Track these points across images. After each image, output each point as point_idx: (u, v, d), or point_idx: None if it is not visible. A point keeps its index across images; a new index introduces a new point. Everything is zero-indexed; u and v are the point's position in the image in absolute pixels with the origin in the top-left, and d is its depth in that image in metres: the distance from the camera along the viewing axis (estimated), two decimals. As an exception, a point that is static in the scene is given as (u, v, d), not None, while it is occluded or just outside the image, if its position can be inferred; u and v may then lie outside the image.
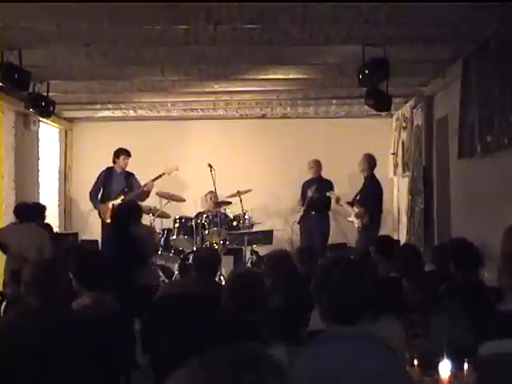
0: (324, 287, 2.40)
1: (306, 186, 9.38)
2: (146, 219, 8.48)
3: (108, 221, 8.70)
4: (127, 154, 8.92)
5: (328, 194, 9.01)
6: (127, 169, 8.99)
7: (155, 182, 8.88)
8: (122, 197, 8.72)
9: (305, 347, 2.40)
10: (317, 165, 9.41)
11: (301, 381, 2.21)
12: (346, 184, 9.82)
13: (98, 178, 9.00)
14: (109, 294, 3.98)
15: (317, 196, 9.02)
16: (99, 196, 8.95)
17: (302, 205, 9.23)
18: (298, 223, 9.35)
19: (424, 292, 3.96)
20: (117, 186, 8.88)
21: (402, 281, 4.01)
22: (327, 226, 9.25)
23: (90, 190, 9.02)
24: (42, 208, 7.57)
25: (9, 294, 5.66)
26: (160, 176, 8.93)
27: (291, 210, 9.97)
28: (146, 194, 8.88)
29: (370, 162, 8.70)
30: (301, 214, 9.25)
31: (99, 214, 8.89)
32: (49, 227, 7.61)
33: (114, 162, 8.96)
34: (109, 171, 8.99)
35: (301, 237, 9.35)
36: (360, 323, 2.34)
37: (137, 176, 9.01)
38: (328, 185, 9.22)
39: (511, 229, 4.69)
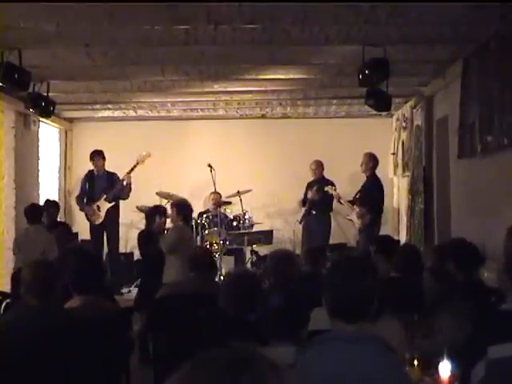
0: (328, 286, 2.41)
1: (308, 187, 9.33)
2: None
3: (96, 222, 8.72)
4: (99, 154, 8.94)
5: (327, 188, 8.91)
6: (109, 169, 9.00)
7: (132, 174, 8.75)
8: (105, 196, 8.76)
9: (306, 347, 2.40)
10: (318, 166, 9.33)
11: (301, 381, 2.21)
12: (346, 184, 9.80)
13: (81, 183, 9.12)
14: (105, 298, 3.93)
15: (317, 197, 8.96)
16: (85, 200, 9.02)
17: (304, 205, 9.18)
18: (300, 223, 9.31)
19: (424, 292, 3.96)
20: (99, 186, 8.94)
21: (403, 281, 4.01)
22: (328, 227, 9.13)
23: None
24: (48, 205, 7.62)
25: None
26: (135, 166, 8.79)
27: (291, 210, 9.96)
28: (128, 189, 8.83)
29: (373, 161, 8.68)
30: (302, 213, 9.22)
31: (86, 217, 8.91)
32: (66, 227, 7.60)
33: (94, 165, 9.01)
34: (89, 174, 9.09)
35: (302, 236, 9.33)
36: (361, 323, 2.34)
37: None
38: (329, 185, 9.15)
39: None
